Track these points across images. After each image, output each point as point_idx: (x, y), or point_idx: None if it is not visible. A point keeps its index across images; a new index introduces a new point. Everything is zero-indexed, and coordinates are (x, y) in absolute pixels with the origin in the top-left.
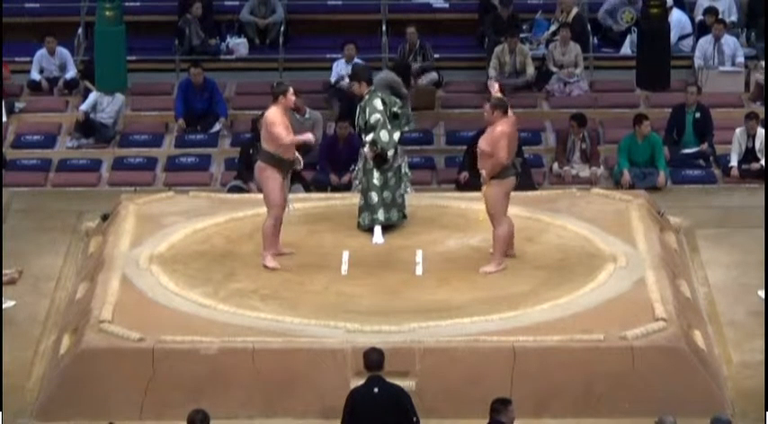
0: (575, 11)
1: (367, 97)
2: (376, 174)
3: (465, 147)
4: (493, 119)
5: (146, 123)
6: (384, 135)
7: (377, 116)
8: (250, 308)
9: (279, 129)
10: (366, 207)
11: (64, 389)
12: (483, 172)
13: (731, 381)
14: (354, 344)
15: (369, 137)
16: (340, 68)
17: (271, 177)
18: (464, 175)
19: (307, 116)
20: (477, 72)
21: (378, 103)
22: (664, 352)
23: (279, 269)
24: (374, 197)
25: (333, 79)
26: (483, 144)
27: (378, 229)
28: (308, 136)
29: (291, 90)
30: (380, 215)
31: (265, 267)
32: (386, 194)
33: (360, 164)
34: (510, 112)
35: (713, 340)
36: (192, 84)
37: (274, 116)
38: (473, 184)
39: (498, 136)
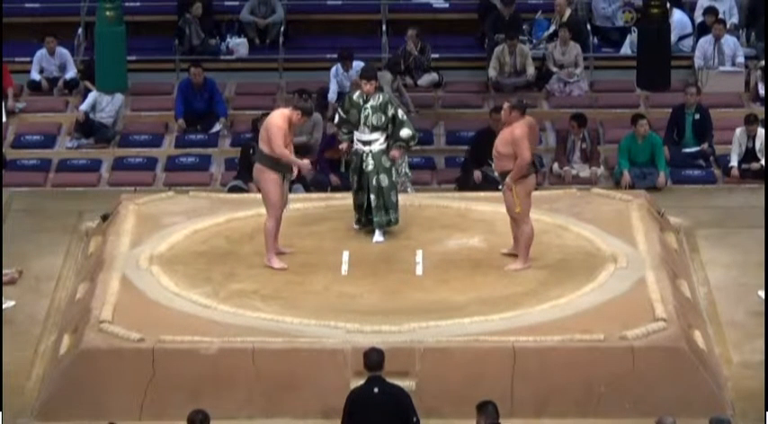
0: (568, 12)
1: (380, 96)
2: (394, 173)
3: (466, 148)
4: (510, 119)
5: (146, 123)
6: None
7: (402, 111)
8: (250, 308)
9: (278, 135)
10: (383, 205)
11: (64, 389)
12: (497, 174)
13: (731, 381)
14: (354, 344)
15: (405, 133)
16: (336, 73)
17: (269, 179)
18: (478, 175)
19: None
20: (477, 72)
21: (394, 99)
22: (664, 352)
23: (286, 268)
24: (394, 196)
25: (332, 90)
26: (500, 146)
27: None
28: (304, 162)
29: (301, 114)
30: (393, 216)
31: (272, 267)
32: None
33: (372, 162)
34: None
35: (713, 340)
36: (192, 84)
37: (278, 120)
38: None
39: (519, 137)
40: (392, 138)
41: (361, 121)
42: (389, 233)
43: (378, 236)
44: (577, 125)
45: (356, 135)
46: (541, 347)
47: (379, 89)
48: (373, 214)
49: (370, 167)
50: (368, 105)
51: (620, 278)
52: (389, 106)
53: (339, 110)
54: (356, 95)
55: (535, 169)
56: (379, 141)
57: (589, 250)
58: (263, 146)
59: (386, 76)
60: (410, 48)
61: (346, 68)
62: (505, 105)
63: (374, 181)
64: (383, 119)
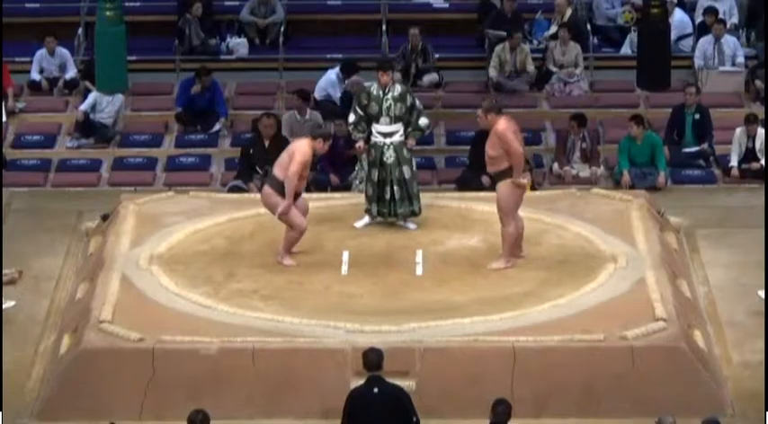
0: (569, 11)
1: (397, 86)
2: (414, 163)
3: (467, 148)
4: (489, 122)
5: (146, 123)
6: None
7: (419, 102)
8: (250, 308)
9: (297, 167)
10: (406, 196)
11: (64, 389)
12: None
13: (731, 381)
14: (354, 344)
15: (423, 122)
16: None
17: (280, 203)
18: (486, 180)
19: (307, 117)
20: (478, 72)
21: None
22: (664, 352)
23: (294, 265)
24: (416, 186)
25: (335, 96)
26: (489, 149)
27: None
28: (305, 213)
29: (330, 141)
30: (416, 206)
31: (281, 264)
32: None
33: (393, 154)
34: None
35: (713, 340)
36: (196, 84)
37: (303, 149)
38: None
39: (502, 133)
40: (411, 127)
41: (383, 113)
42: (389, 232)
43: (411, 225)
44: (577, 125)
45: (375, 127)
46: (541, 347)
47: (392, 79)
48: (397, 206)
49: (392, 159)
50: (389, 96)
51: (620, 277)
52: (408, 95)
53: (356, 107)
54: (374, 89)
55: (529, 166)
56: (399, 132)
57: (589, 250)
58: (277, 171)
59: (397, 78)
60: (417, 42)
61: (345, 79)
62: (479, 112)
63: (397, 173)
64: (404, 108)
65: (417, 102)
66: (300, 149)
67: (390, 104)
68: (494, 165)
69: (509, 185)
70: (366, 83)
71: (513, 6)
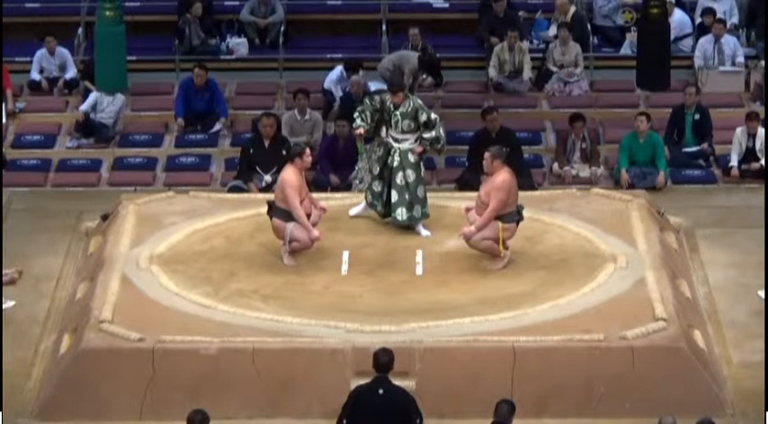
0: (572, 10)
1: (410, 102)
2: (422, 168)
3: (466, 148)
4: (492, 168)
5: (146, 123)
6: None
7: (435, 115)
8: (250, 308)
9: (291, 192)
10: (407, 201)
11: (64, 389)
12: (472, 228)
13: (731, 381)
14: (354, 344)
15: (428, 134)
16: (341, 78)
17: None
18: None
19: (307, 117)
20: (477, 72)
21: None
22: (664, 352)
23: (294, 264)
24: (422, 191)
25: (336, 95)
26: (484, 195)
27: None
28: (315, 224)
29: (308, 150)
30: (420, 211)
31: (281, 260)
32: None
33: (398, 158)
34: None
35: (713, 340)
36: (194, 84)
37: (289, 177)
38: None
39: (498, 185)
40: (419, 137)
41: (392, 126)
42: (389, 232)
43: (424, 231)
44: (577, 125)
45: (388, 131)
46: (541, 347)
47: (408, 96)
48: (392, 210)
49: (396, 163)
50: (397, 112)
51: (620, 278)
52: (420, 112)
53: (368, 100)
54: (388, 100)
55: (518, 218)
56: (409, 141)
57: (589, 250)
58: (279, 203)
59: (412, 60)
60: (417, 42)
61: (349, 76)
62: (486, 155)
63: (399, 178)
64: (413, 124)
65: (433, 117)
66: (287, 179)
67: (398, 120)
68: (482, 212)
69: (499, 227)
70: (386, 96)
71: (503, 6)
